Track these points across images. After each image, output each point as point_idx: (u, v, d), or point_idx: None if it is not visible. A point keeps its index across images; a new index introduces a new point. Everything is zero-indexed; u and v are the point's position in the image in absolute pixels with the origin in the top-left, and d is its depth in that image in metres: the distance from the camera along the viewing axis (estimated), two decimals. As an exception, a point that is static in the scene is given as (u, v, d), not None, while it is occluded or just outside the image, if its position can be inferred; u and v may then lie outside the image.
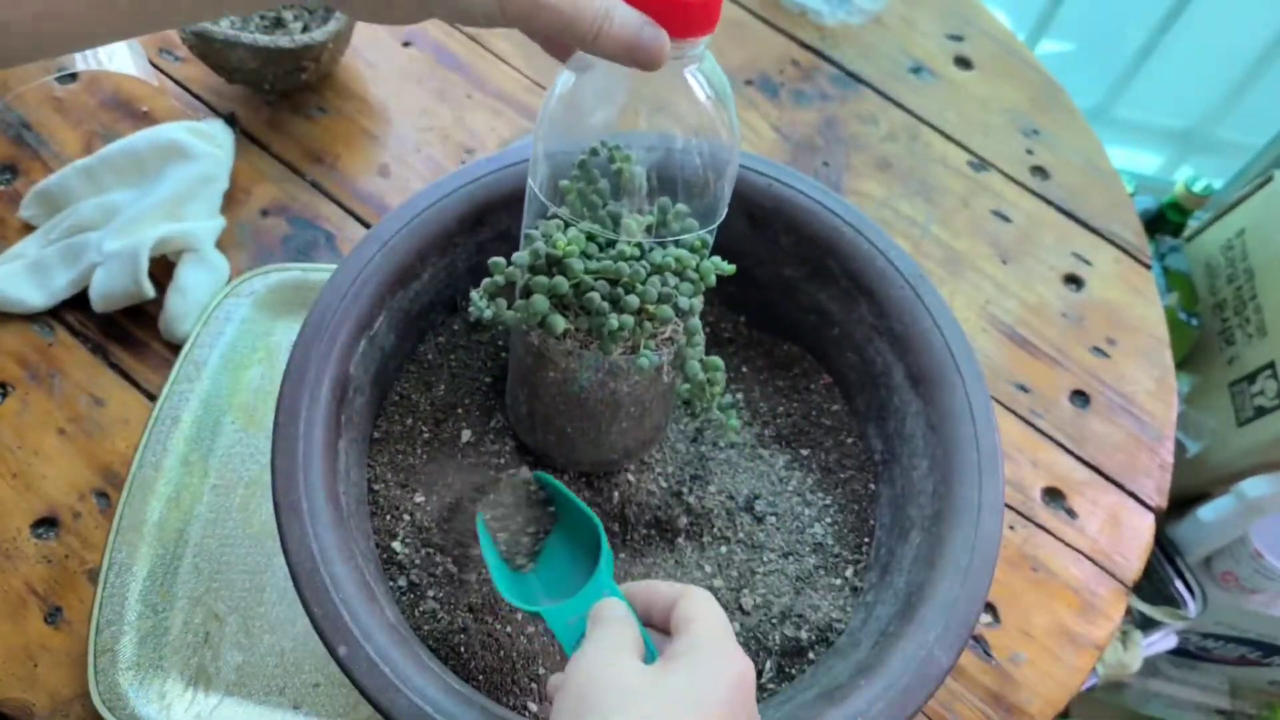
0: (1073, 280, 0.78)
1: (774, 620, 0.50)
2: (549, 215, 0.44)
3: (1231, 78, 1.40)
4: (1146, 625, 1.05)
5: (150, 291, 0.65)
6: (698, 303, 0.45)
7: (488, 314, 0.43)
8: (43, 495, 0.60)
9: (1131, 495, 0.69)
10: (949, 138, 0.84)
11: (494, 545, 0.47)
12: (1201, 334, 1.05)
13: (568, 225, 0.43)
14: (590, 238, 0.44)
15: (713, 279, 0.45)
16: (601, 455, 0.52)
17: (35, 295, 0.65)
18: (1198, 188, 1.12)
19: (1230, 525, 0.99)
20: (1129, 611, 1.00)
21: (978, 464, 0.48)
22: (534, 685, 0.48)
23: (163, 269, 0.67)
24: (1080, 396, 0.73)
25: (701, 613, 0.36)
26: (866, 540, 0.54)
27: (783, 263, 0.57)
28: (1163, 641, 1.09)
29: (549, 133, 0.41)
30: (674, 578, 0.51)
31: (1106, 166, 0.85)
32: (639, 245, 0.43)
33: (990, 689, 0.60)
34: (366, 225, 0.73)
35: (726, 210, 0.44)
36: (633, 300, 0.42)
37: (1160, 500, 0.69)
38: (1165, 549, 1.04)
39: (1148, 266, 0.80)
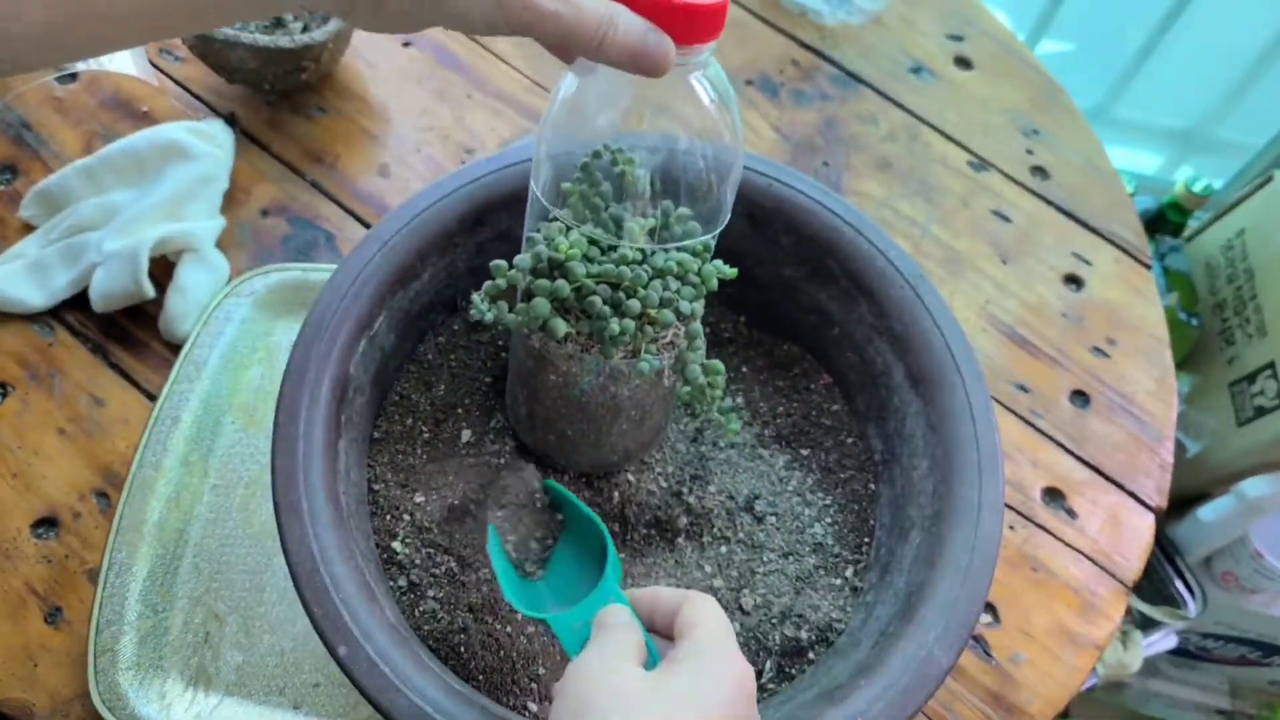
0: (1073, 280, 0.78)
1: (774, 620, 0.50)
2: (551, 218, 0.44)
3: (1231, 78, 1.40)
4: (1146, 625, 1.05)
5: (150, 291, 0.65)
6: (699, 307, 0.45)
7: (489, 317, 0.43)
8: (43, 495, 0.60)
9: (1131, 495, 0.69)
10: (949, 138, 0.84)
11: (504, 554, 0.47)
12: (1201, 334, 1.06)
13: (570, 228, 0.43)
14: (592, 241, 0.43)
15: (715, 283, 0.45)
16: (602, 457, 0.52)
17: (35, 295, 0.65)
18: (1198, 188, 1.12)
19: (1230, 525, 0.99)
20: (1129, 611, 1.00)
21: (978, 464, 0.48)
22: (534, 685, 0.48)
23: (163, 269, 0.67)
24: (1080, 396, 0.73)
25: (704, 618, 0.36)
26: (866, 540, 0.54)
27: (783, 263, 0.57)
28: (1163, 641, 1.10)
29: (552, 136, 0.41)
30: (674, 578, 0.51)
31: (1106, 166, 0.85)
32: (641, 249, 0.43)
33: (990, 689, 0.60)
34: (366, 225, 0.73)
35: (729, 215, 0.44)
36: (634, 305, 0.42)
37: (1160, 500, 0.69)
38: (1165, 549, 1.04)
39: (1148, 266, 0.80)
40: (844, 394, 0.59)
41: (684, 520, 0.52)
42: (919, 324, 0.52)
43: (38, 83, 0.76)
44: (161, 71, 0.78)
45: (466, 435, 0.54)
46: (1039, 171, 0.84)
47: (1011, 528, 0.66)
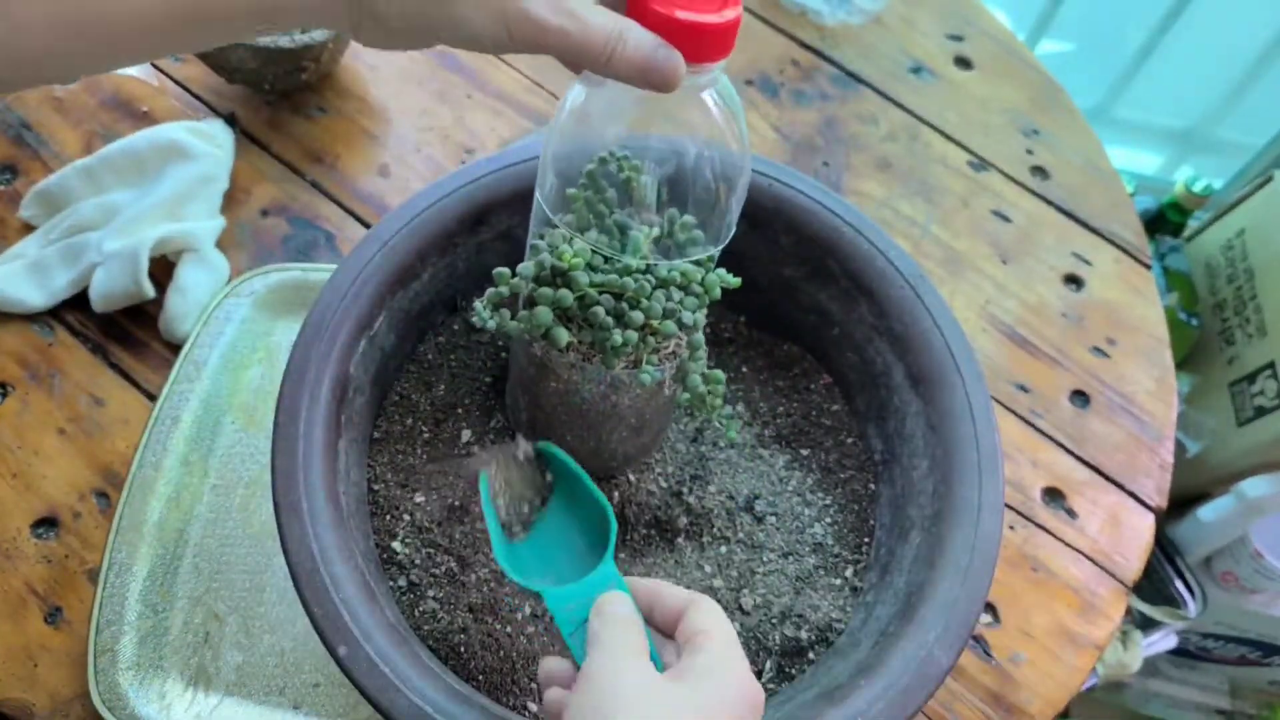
0: (1073, 280, 0.78)
1: (774, 620, 0.50)
2: (554, 225, 0.44)
3: (1231, 78, 1.40)
4: (1146, 625, 1.05)
5: (150, 291, 0.65)
6: (701, 317, 0.45)
7: (491, 325, 0.43)
8: (43, 495, 0.60)
9: (1131, 495, 0.69)
10: (949, 138, 0.84)
11: (495, 510, 0.46)
12: (1201, 334, 1.06)
13: (573, 235, 0.43)
14: (595, 250, 0.43)
15: (718, 292, 0.45)
16: (601, 461, 0.52)
17: (35, 295, 0.65)
18: (1198, 188, 1.12)
19: (1230, 525, 0.99)
20: (1129, 611, 1.00)
21: (978, 464, 0.48)
22: (534, 685, 0.48)
23: (163, 269, 0.67)
24: (1080, 396, 0.73)
25: (712, 627, 0.35)
26: (866, 540, 0.54)
27: (783, 263, 0.57)
28: (1163, 641, 1.09)
29: (559, 144, 0.41)
30: (674, 578, 0.51)
31: (1106, 166, 0.85)
32: (644, 257, 0.43)
33: (990, 689, 0.60)
34: (366, 225, 0.73)
35: (734, 229, 0.44)
36: (637, 316, 0.42)
37: (1160, 500, 0.69)
38: (1165, 549, 1.04)
39: (1148, 266, 0.80)
40: (844, 394, 0.59)
41: (684, 520, 0.52)
42: (919, 324, 0.52)
43: (38, 83, 0.76)
44: (161, 71, 0.78)
45: (466, 435, 0.54)
46: (1039, 171, 0.84)
47: (1011, 528, 0.66)
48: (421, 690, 0.40)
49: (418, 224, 0.51)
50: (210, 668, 0.55)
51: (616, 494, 0.53)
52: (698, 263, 0.45)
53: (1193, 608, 1.02)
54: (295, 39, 0.71)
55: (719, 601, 0.50)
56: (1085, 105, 1.16)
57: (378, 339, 0.51)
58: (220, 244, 0.70)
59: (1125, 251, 0.80)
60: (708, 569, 0.52)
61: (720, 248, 0.43)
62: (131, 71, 0.78)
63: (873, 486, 0.55)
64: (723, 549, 0.52)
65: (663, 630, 0.37)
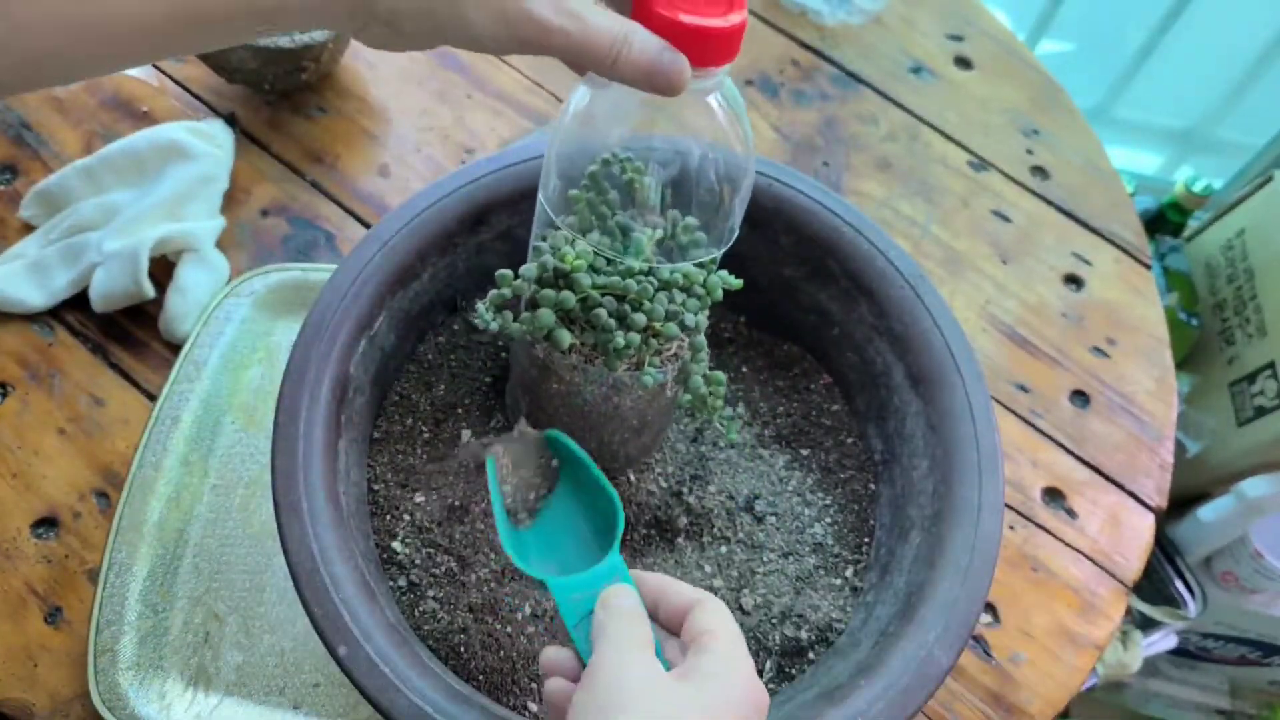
0: (1073, 280, 0.78)
1: (774, 620, 0.50)
2: (556, 227, 0.44)
3: (1231, 78, 1.40)
4: (1146, 625, 1.05)
5: (150, 291, 0.65)
6: (703, 319, 0.45)
7: (494, 326, 0.43)
8: (43, 495, 0.60)
9: (1131, 495, 0.69)
10: (949, 138, 0.84)
11: (501, 495, 0.45)
12: (1201, 334, 1.06)
13: (576, 237, 0.43)
14: (598, 252, 0.43)
15: (719, 294, 0.45)
16: (602, 462, 0.51)
17: (35, 295, 0.65)
18: (1198, 188, 1.12)
19: (1230, 525, 0.99)
20: (1129, 611, 1.00)
21: (978, 464, 0.48)
22: (534, 685, 0.48)
23: (163, 269, 0.67)
24: (1080, 396, 0.73)
25: (719, 628, 0.35)
26: (866, 540, 0.54)
27: (783, 263, 0.57)
28: (1163, 641, 1.10)
29: (562, 146, 0.41)
30: (674, 577, 0.51)
31: (1106, 166, 0.85)
32: (647, 259, 0.43)
33: (990, 689, 0.60)
34: (366, 225, 0.73)
35: (738, 231, 0.44)
36: (640, 318, 0.42)
37: (1160, 500, 0.69)
38: (1165, 549, 1.04)
39: (1148, 266, 0.80)
40: (844, 394, 0.59)
41: (684, 520, 0.52)
42: (919, 324, 0.52)
43: (38, 83, 0.76)
44: (161, 71, 0.78)
45: (466, 435, 0.54)
46: (1039, 171, 0.84)
47: (1011, 528, 0.66)
48: (421, 690, 0.40)
49: (418, 224, 0.51)
50: (210, 668, 0.55)
51: (617, 494, 0.53)
52: (700, 264, 0.45)
53: (1193, 608, 1.02)
54: (295, 39, 0.71)
55: (719, 601, 0.50)
56: (1085, 105, 1.16)
57: (378, 339, 0.51)
58: (220, 244, 0.70)
59: (1125, 251, 0.80)
60: (708, 569, 0.52)
61: (724, 250, 0.43)
62: (131, 71, 0.78)
63: (873, 486, 0.55)
64: (723, 549, 0.52)
65: (667, 627, 0.37)
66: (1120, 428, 0.71)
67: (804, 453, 0.57)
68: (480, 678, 0.47)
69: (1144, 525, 0.67)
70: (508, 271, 0.44)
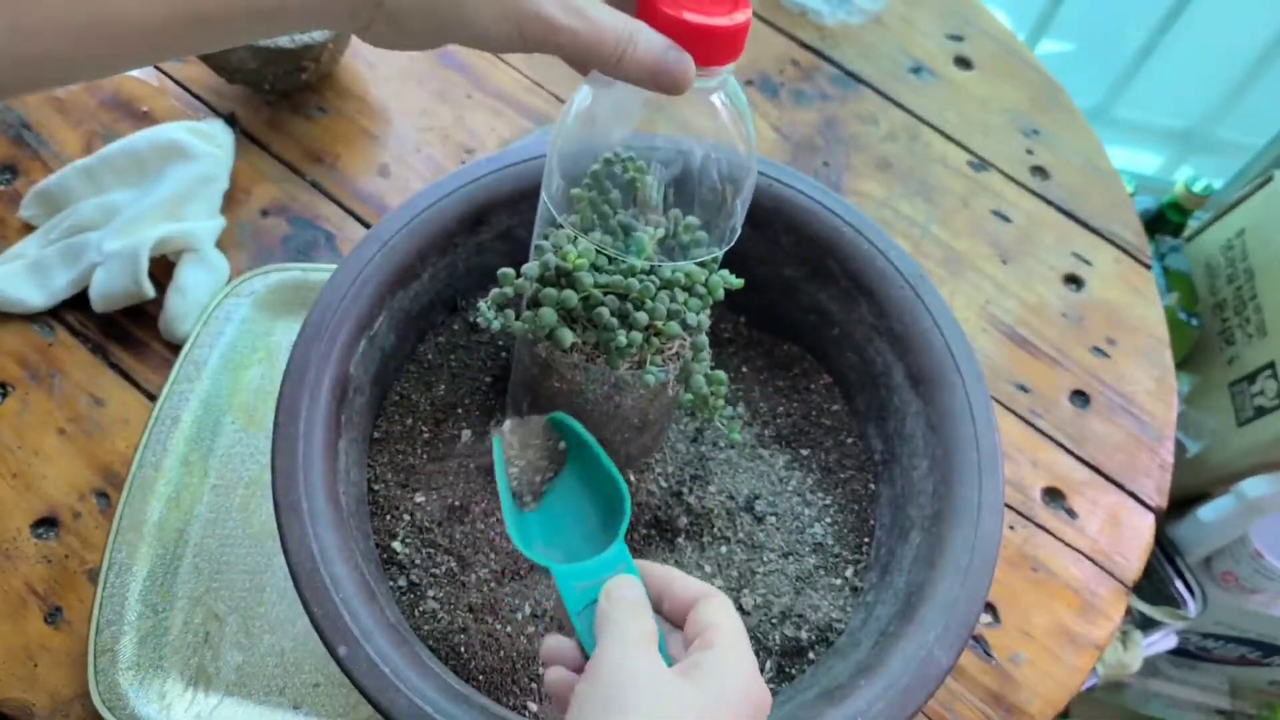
0: (1073, 280, 0.78)
1: (774, 620, 0.50)
2: (559, 225, 0.44)
3: (1231, 78, 1.40)
4: (1146, 625, 1.05)
5: (150, 291, 0.65)
6: (705, 319, 0.45)
7: (496, 325, 0.43)
8: (43, 495, 0.60)
9: (1131, 495, 0.69)
10: (949, 138, 0.84)
11: (507, 478, 0.45)
12: (1201, 334, 1.06)
13: (578, 236, 0.43)
14: (600, 250, 0.43)
15: (721, 294, 0.45)
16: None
17: (35, 295, 0.65)
18: (1198, 188, 1.12)
19: (1230, 525, 0.99)
20: (1129, 611, 1.00)
21: (978, 464, 0.48)
22: (534, 685, 0.48)
23: (163, 269, 0.67)
24: (1080, 396, 0.73)
25: (722, 624, 0.35)
26: (866, 540, 0.54)
27: (783, 263, 0.57)
28: (1163, 641, 1.10)
29: (564, 145, 0.41)
30: (679, 570, 0.51)
31: (1106, 166, 0.85)
32: (649, 258, 0.43)
33: (990, 689, 0.60)
34: (366, 225, 0.73)
35: (740, 231, 0.44)
36: (642, 317, 0.42)
37: (1160, 500, 0.69)
38: (1165, 549, 1.04)
39: (1148, 266, 0.80)
40: (844, 394, 0.59)
41: (684, 520, 0.52)
42: (919, 324, 0.52)
43: (38, 83, 0.76)
44: (161, 71, 0.78)
45: (466, 435, 0.54)
46: (1039, 171, 0.84)
47: (1011, 528, 0.66)
48: (421, 690, 0.40)
49: (418, 224, 0.51)
50: (210, 668, 0.55)
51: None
52: (701, 264, 0.45)
53: (1193, 608, 1.02)
54: (295, 39, 0.71)
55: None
56: (1085, 105, 1.16)
57: (378, 339, 0.51)
58: (220, 244, 0.70)
59: (1125, 251, 0.80)
60: (708, 569, 0.52)
61: (726, 249, 0.43)
62: (131, 71, 0.77)
63: (873, 486, 0.55)
64: (723, 549, 0.52)
65: (671, 619, 0.37)
66: (1120, 428, 0.71)
67: (804, 453, 0.57)
68: (480, 678, 0.47)
69: (1144, 525, 0.67)
70: (510, 270, 0.44)
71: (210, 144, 0.71)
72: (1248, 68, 1.38)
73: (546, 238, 0.45)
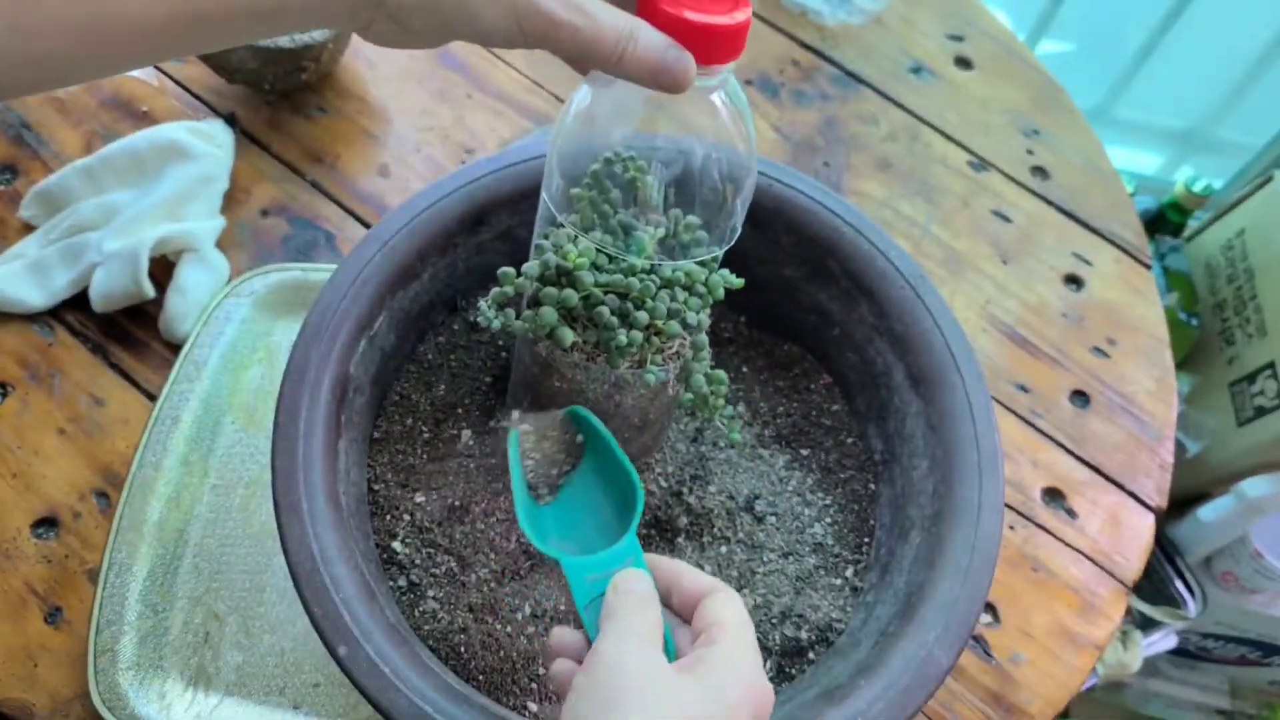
0: (1073, 280, 0.78)
1: (774, 620, 0.50)
2: (559, 224, 0.44)
3: (1231, 78, 1.40)
4: (1146, 625, 1.05)
5: (150, 291, 0.65)
6: (705, 318, 0.45)
7: (496, 324, 0.43)
8: (43, 495, 0.60)
9: (1131, 495, 0.69)
10: (949, 138, 0.84)
11: (522, 469, 0.45)
12: (1201, 334, 1.06)
13: (578, 236, 0.43)
14: (600, 249, 0.43)
15: (721, 293, 0.45)
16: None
17: (35, 295, 0.65)
18: (1198, 188, 1.12)
19: (1230, 525, 0.99)
20: (1129, 611, 1.00)
21: (978, 464, 0.48)
22: (534, 685, 0.48)
23: (163, 269, 0.67)
24: (1080, 396, 0.73)
25: (729, 620, 0.35)
26: (866, 540, 0.54)
27: (783, 263, 0.57)
28: (1163, 641, 1.10)
29: (565, 145, 0.41)
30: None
31: (1106, 166, 0.85)
32: (649, 257, 0.43)
33: (990, 689, 0.60)
34: (366, 225, 0.73)
35: (740, 230, 0.44)
36: (642, 316, 0.42)
37: (1160, 500, 0.69)
38: (1165, 549, 1.04)
39: (1148, 266, 0.80)
40: (844, 394, 0.59)
41: (684, 520, 0.52)
42: (919, 324, 0.52)
43: (38, 83, 0.76)
44: (162, 72, 0.78)
45: (466, 435, 0.54)
46: (1039, 171, 0.84)
47: (1011, 528, 0.66)
48: (421, 690, 0.40)
49: (418, 224, 0.51)
50: (210, 668, 0.55)
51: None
52: (701, 263, 0.45)
53: (1193, 608, 1.02)
54: (295, 39, 0.71)
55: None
56: (1085, 105, 1.16)
57: (378, 339, 0.51)
58: (220, 244, 0.70)
59: (1125, 251, 0.80)
60: (708, 569, 0.52)
61: (726, 248, 0.43)
62: (132, 72, 0.78)
63: (873, 486, 0.55)
64: (723, 549, 0.52)
65: (679, 614, 0.37)
66: (1120, 428, 0.71)
67: (804, 453, 0.57)
68: (480, 678, 0.47)
69: (1144, 525, 0.67)
70: (510, 270, 0.44)
71: (210, 144, 0.71)
72: (1248, 68, 1.38)
73: (547, 237, 0.45)
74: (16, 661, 0.55)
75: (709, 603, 0.36)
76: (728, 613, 0.35)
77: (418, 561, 0.50)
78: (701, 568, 0.52)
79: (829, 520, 0.54)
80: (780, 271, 0.58)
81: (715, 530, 0.52)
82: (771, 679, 0.49)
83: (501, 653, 0.48)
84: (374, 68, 0.81)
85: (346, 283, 0.49)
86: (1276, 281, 0.96)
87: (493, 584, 0.49)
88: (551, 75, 0.83)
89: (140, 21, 0.32)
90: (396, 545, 0.50)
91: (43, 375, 0.64)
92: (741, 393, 0.59)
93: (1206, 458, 1.02)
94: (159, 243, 0.66)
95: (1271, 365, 0.95)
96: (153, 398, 0.64)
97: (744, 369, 0.60)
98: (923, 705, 0.42)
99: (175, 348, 0.66)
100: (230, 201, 0.72)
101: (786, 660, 0.49)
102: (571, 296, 0.42)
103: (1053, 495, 0.68)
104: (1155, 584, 1.04)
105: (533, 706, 0.47)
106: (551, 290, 0.43)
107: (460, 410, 0.55)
